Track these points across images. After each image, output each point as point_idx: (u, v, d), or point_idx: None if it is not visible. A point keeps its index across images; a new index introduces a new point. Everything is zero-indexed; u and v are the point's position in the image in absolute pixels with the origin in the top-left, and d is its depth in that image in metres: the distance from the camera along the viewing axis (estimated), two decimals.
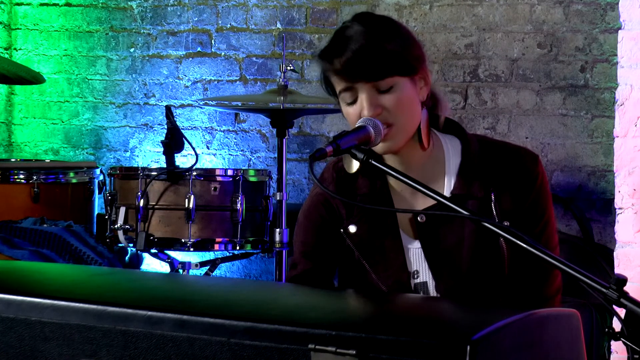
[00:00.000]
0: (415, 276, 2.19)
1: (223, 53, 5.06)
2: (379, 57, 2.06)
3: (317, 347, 1.42)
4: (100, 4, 5.21)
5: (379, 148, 2.10)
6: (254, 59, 5.01)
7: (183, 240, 3.91)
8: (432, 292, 2.18)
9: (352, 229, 2.20)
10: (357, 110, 2.10)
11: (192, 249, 3.92)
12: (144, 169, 3.96)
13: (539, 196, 2.19)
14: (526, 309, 1.53)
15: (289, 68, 3.97)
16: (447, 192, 2.17)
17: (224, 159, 5.06)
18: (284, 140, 3.92)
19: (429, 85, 2.16)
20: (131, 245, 3.95)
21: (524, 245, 1.78)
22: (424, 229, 2.17)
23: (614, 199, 3.22)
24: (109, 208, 4.02)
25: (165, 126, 4.01)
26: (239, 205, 3.92)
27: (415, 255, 2.19)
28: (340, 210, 2.22)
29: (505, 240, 2.08)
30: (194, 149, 3.96)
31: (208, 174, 3.97)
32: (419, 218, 2.17)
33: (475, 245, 2.14)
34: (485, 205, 2.14)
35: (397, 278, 2.17)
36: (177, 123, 4.03)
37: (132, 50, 5.19)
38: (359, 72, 2.07)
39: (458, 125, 2.25)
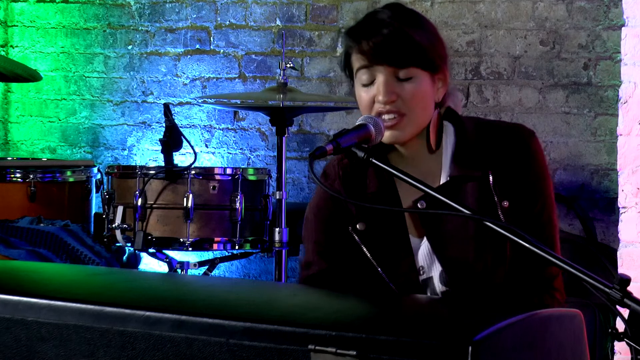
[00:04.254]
0: (421, 272, 2.19)
1: (222, 50, 5.05)
2: (407, 45, 2.08)
3: (317, 347, 1.42)
4: (97, 1, 5.21)
5: (385, 137, 2.10)
6: (253, 56, 5.00)
7: (181, 240, 3.90)
8: (437, 287, 2.18)
9: (361, 226, 2.19)
10: (371, 95, 2.10)
11: (190, 249, 3.91)
12: (142, 167, 3.96)
13: (537, 172, 2.18)
14: (528, 309, 1.52)
15: (288, 65, 3.96)
16: (444, 176, 2.17)
17: (222, 157, 5.05)
18: (284, 138, 3.91)
19: (446, 87, 2.17)
20: (129, 244, 3.94)
21: (527, 245, 1.77)
22: (426, 217, 2.16)
23: (617, 197, 3.23)
24: (106, 207, 4.01)
25: (164, 124, 4.00)
26: (238, 204, 3.91)
27: (423, 250, 2.19)
28: (349, 206, 2.21)
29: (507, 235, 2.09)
30: (192, 147, 3.95)
31: (207, 173, 3.96)
32: (418, 204, 2.16)
33: (477, 228, 2.13)
34: (484, 186, 2.14)
35: (407, 276, 2.17)
36: (176, 121, 4.02)
37: (129, 47, 5.18)
38: (384, 55, 2.08)
39: (450, 110, 2.23)
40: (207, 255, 4.48)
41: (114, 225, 3.93)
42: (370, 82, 2.11)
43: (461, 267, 2.15)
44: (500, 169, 2.15)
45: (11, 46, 5.33)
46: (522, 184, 2.16)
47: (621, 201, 3.19)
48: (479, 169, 2.15)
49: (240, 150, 5.03)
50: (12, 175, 4.18)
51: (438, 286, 2.18)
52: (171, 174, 3.91)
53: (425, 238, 2.18)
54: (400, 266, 2.17)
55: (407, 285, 2.16)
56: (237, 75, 5.04)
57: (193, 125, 5.09)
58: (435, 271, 2.18)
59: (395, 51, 2.08)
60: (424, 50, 2.09)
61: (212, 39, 5.06)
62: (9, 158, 5.02)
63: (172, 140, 3.94)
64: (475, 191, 2.14)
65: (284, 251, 3.88)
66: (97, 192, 4.36)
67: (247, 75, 5.02)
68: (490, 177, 2.14)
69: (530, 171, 2.17)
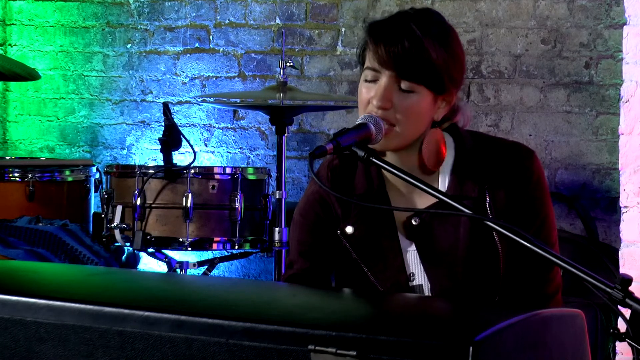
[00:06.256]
0: (412, 278, 2.17)
1: (221, 49, 5.04)
2: (420, 62, 2.06)
3: (317, 348, 1.41)
4: None
5: (376, 145, 2.08)
6: (253, 55, 5.00)
7: (181, 240, 3.89)
8: (427, 294, 2.16)
9: (349, 229, 2.18)
10: (368, 94, 2.09)
11: (190, 249, 3.91)
12: (141, 167, 3.95)
13: (534, 194, 2.16)
14: (529, 309, 1.52)
15: (288, 64, 3.95)
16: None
17: (222, 156, 5.04)
18: (284, 137, 3.91)
19: (448, 108, 2.15)
20: (128, 244, 3.94)
21: (533, 247, 1.76)
22: (419, 230, 2.16)
23: (619, 197, 3.22)
24: (105, 207, 4.00)
25: (163, 123, 4.00)
26: (237, 203, 3.91)
27: (412, 257, 2.18)
28: (336, 210, 2.21)
29: (501, 239, 2.08)
30: (191, 146, 3.95)
31: (206, 172, 3.96)
32: (413, 221, 2.15)
33: (470, 245, 2.12)
34: (480, 205, 2.12)
35: (396, 280, 2.16)
36: (175, 120, 4.02)
37: (128, 46, 5.17)
38: (395, 64, 2.06)
39: (453, 125, 2.22)
40: (207, 255, 4.47)
41: (112, 225, 3.93)
42: (373, 81, 2.09)
43: (448, 284, 2.14)
44: (496, 188, 2.13)
45: (9, 45, 5.32)
46: (518, 204, 2.13)
47: (623, 201, 3.19)
48: (476, 187, 2.14)
49: (239, 150, 5.03)
50: (11, 175, 4.18)
51: (428, 293, 2.16)
52: (170, 173, 3.90)
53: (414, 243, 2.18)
54: (389, 269, 2.16)
55: (396, 290, 2.15)
56: (236, 74, 5.03)
57: (192, 125, 5.08)
58: (425, 279, 2.17)
59: (406, 64, 2.05)
60: (436, 70, 2.07)
61: (211, 37, 5.06)
62: (8, 157, 5.01)
63: (171, 139, 3.93)
64: (470, 209, 2.12)
65: (283, 251, 3.88)
66: (96, 191, 4.36)
67: (246, 74, 5.01)
68: (487, 196, 2.13)
69: (527, 191, 2.15)
